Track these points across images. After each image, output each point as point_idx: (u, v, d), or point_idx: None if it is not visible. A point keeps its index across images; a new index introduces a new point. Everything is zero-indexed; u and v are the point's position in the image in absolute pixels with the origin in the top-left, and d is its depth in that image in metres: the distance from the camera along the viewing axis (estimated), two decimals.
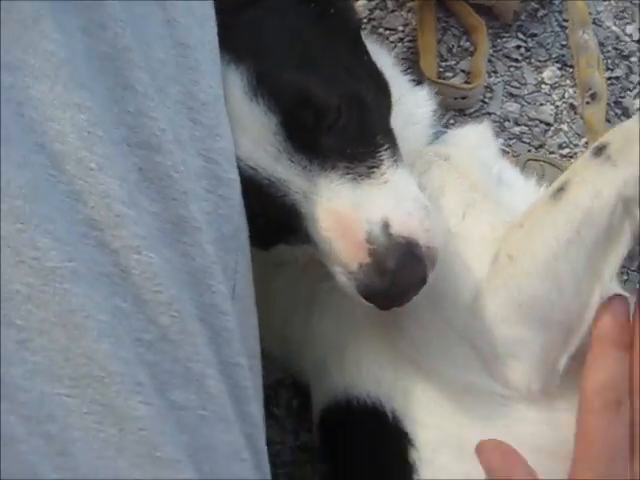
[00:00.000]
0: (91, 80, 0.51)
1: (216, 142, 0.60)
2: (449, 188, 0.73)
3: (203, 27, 0.60)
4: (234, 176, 0.61)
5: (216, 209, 0.60)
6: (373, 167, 0.65)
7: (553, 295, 0.63)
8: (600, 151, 0.64)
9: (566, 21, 1.18)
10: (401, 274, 0.60)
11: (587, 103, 1.08)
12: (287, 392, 0.92)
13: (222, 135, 0.60)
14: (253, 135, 0.63)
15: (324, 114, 0.64)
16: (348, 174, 0.64)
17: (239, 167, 0.62)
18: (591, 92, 1.08)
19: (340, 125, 0.64)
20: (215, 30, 0.61)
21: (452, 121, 1.09)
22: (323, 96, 0.63)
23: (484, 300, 0.66)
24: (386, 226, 0.61)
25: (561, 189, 0.65)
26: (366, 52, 0.74)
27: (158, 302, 0.54)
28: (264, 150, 0.63)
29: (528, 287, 0.64)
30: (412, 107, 0.81)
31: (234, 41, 0.64)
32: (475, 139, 0.85)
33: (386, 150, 0.66)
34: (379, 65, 0.74)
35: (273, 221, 0.67)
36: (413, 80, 0.86)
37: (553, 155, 1.09)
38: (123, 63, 0.53)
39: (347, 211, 0.62)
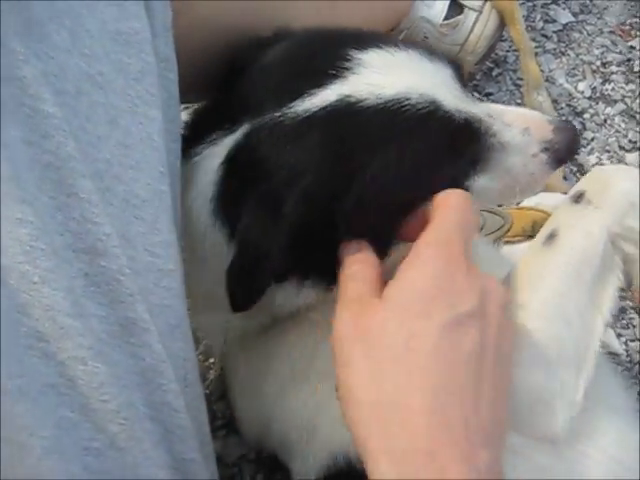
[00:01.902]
0: (34, 190, 0.51)
1: (156, 236, 0.61)
2: None
3: (140, 125, 0.61)
4: (173, 266, 0.62)
5: (162, 300, 0.61)
6: None
7: (564, 333, 0.68)
8: (579, 198, 0.71)
9: (520, 79, 1.21)
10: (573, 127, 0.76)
11: None
12: (251, 467, 0.91)
13: (161, 229, 0.61)
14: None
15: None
16: None
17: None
18: None
19: None
20: (154, 127, 0.62)
21: None
22: None
23: None
24: None
25: (552, 236, 0.70)
26: None
27: (106, 410, 0.53)
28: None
29: (543, 328, 0.68)
30: None
31: None
32: None
33: None
34: None
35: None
36: None
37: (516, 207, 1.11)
38: (66, 171, 0.52)
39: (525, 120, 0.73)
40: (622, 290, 0.90)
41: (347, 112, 0.65)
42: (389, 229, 0.68)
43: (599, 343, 0.69)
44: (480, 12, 1.13)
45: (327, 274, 0.68)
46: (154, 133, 0.62)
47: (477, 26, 1.13)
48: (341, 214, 0.65)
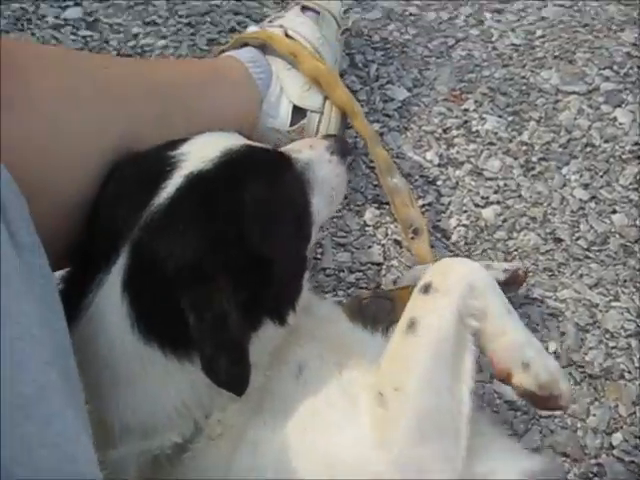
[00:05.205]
0: None
1: (51, 427, 0.61)
2: (319, 357, 0.84)
3: (16, 325, 0.62)
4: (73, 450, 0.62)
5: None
6: None
7: (437, 403, 0.77)
8: (427, 289, 0.82)
9: (373, 161, 1.29)
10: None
11: (412, 239, 1.17)
12: None
13: (55, 418, 0.62)
14: None
15: None
16: None
17: None
18: (413, 228, 1.16)
19: None
20: (32, 320, 0.63)
21: None
22: None
23: (389, 436, 0.75)
24: None
25: (412, 324, 0.80)
26: None
27: None
28: None
29: (420, 405, 0.76)
30: None
31: None
32: (326, 311, 0.94)
33: None
34: None
35: None
36: None
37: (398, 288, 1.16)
38: None
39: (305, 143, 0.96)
40: None
41: (197, 182, 0.78)
42: (301, 247, 0.86)
43: (469, 409, 0.78)
44: (321, 112, 1.20)
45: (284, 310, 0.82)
46: (33, 327, 0.64)
47: (322, 125, 1.20)
48: (261, 249, 0.77)
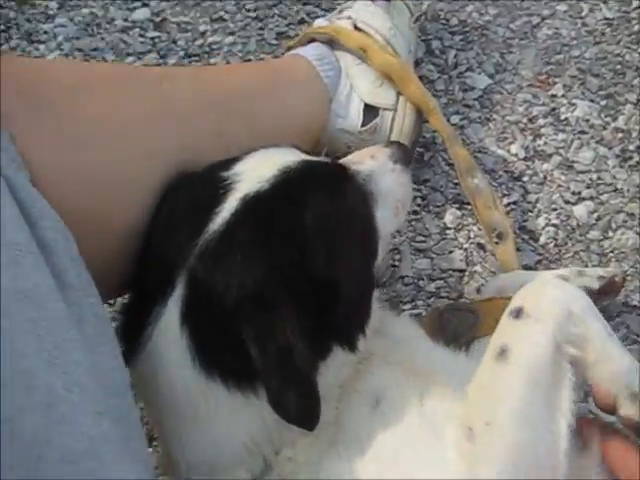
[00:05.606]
0: None
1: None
2: (397, 385, 0.79)
3: (63, 376, 0.59)
4: None
5: None
6: None
7: (533, 438, 0.70)
8: (519, 314, 0.74)
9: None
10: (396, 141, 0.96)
11: (496, 243, 1.08)
12: None
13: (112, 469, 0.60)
14: None
15: None
16: None
17: None
18: (497, 232, 1.08)
19: None
20: (81, 370, 0.60)
21: None
22: None
23: (480, 474, 0.69)
24: None
25: (503, 352, 0.73)
26: None
27: None
28: None
29: (513, 440, 0.70)
30: None
31: None
32: (402, 331, 0.88)
33: None
34: None
35: None
36: None
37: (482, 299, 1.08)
38: None
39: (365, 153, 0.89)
40: None
41: (253, 204, 0.73)
42: (368, 265, 0.80)
43: (567, 444, 0.71)
44: (395, 110, 1.13)
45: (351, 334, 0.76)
46: (82, 376, 0.61)
47: (395, 124, 1.13)
48: (326, 272, 0.72)
